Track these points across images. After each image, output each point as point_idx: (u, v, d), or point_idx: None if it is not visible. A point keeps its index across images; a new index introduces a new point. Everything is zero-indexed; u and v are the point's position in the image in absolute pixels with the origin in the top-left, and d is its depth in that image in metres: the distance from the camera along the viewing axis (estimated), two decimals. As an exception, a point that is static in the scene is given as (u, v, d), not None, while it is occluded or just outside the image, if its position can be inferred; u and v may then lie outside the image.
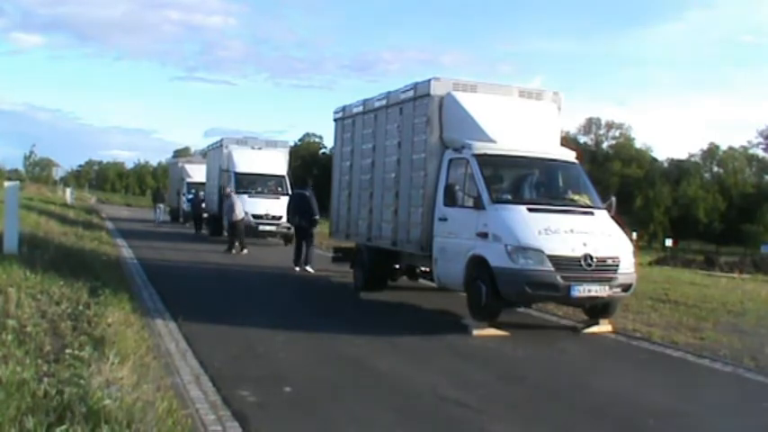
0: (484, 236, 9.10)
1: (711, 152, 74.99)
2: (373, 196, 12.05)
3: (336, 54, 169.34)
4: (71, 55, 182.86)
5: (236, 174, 23.05)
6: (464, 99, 10.22)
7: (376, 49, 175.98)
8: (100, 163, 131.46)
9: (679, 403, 6.44)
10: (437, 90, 10.25)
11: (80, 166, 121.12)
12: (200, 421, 5.18)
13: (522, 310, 10.46)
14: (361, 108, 12.77)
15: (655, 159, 76.67)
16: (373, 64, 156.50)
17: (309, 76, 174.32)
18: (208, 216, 26.32)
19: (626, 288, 9.17)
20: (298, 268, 15.82)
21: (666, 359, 8.26)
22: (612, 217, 9.74)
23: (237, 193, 22.52)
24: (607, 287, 8.87)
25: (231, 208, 19.77)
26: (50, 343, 6.31)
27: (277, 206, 22.53)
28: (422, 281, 12.30)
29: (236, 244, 19.57)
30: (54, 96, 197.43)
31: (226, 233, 22.96)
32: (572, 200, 9.95)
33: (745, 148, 74.11)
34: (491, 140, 9.86)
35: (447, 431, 5.47)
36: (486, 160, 9.67)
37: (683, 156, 76.80)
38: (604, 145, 78.72)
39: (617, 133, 79.33)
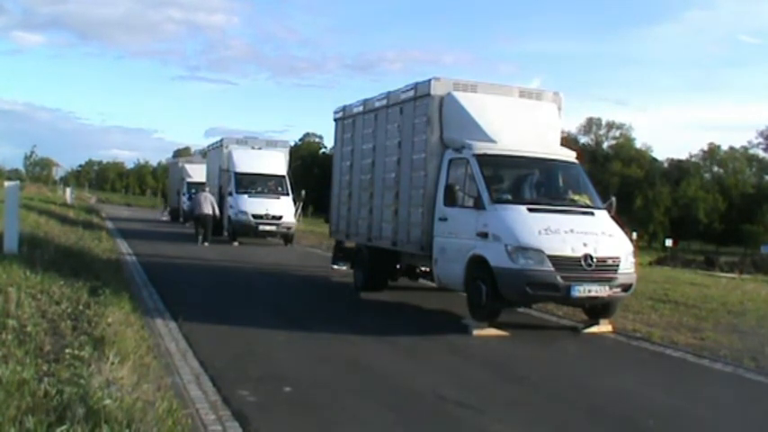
0: (484, 236, 9.10)
1: (711, 152, 75.02)
2: (373, 196, 12.05)
3: (338, 53, 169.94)
4: (72, 54, 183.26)
5: (236, 174, 23.04)
6: (464, 99, 10.21)
7: (378, 48, 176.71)
8: (100, 163, 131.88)
9: (679, 403, 6.44)
10: (437, 90, 10.25)
11: (80, 165, 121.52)
12: (201, 421, 5.17)
13: (522, 310, 10.46)
14: (361, 108, 12.76)
15: (655, 159, 76.71)
16: (375, 63, 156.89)
17: (311, 76, 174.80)
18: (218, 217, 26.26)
19: (626, 288, 9.17)
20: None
21: (666, 359, 8.26)
22: (612, 217, 9.74)
23: (238, 193, 22.60)
24: (607, 287, 8.87)
25: (198, 203, 21.70)
26: (50, 343, 6.31)
27: (277, 206, 22.57)
28: (422, 281, 12.29)
29: (201, 236, 21.47)
30: (54, 96, 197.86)
31: (226, 233, 23.12)
32: (572, 200, 9.95)
33: (745, 149, 74.17)
34: (491, 140, 9.86)
35: (447, 431, 5.47)
36: (486, 160, 9.66)
37: (683, 156, 76.98)
38: (604, 145, 78.75)
39: (617, 133, 79.45)
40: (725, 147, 74.85)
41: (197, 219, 21.84)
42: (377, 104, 12.09)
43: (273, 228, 22.52)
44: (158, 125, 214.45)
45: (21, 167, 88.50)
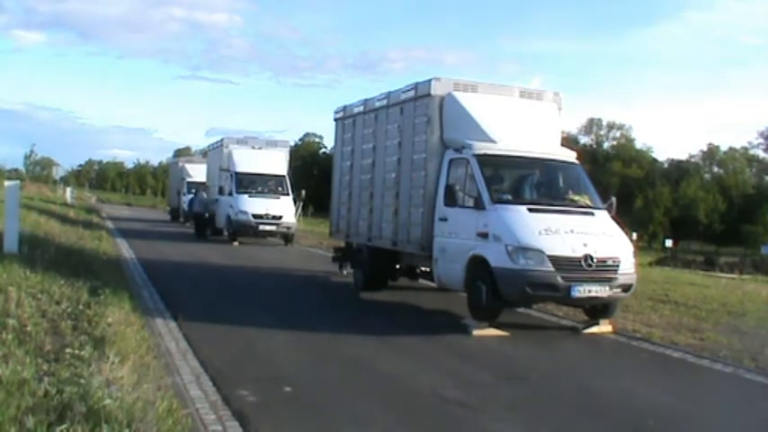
0: (484, 236, 9.10)
1: (711, 153, 75.01)
2: (373, 196, 12.05)
3: (340, 53, 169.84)
4: (73, 53, 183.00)
5: (237, 173, 23.04)
6: (465, 99, 10.22)
7: (380, 47, 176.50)
8: (100, 162, 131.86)
9: (679, 404, 6.44)
10: (438, 90, 10.25)
11: (80, 165, 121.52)
12: (201, 421, 5.17)
13: (522, 310, 10.46)
14: (361, 108, 12.77)
15: (655, 160, 76.76)
16: (377, 63, 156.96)
17: (312, 75, 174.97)
18: (208, 216, 26.45)
19: (626, 288, 9.17)
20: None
21: (666, 360, 8.26)
22: (612, 217, 9.74)
23: (238, 192, 22.65)
24: (607, 287, 8.87)
25: (196, 203, 25.23)
26: (51, 342, 6.31)
27: (277, 206, 22.59)
28: (422, 281, 12.28)
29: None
30: (55, 95, 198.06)
31: (226, 233, 23.20)
32: (572, 200, 9.94)
33: (745, 149, 74.14)
34: (491, 140, 9.86)
35: (447, 431, 5.47)
36: (486, 160, 9.67)
37: (683, 156, 76.97)
38: (605, 145, 78.74)
39: (617, 134, 79.44)
40: (725, 147, 74.98)
41: (195, 217, 25.29)
42: (377, 104, 12.10)
43: (273, 228, 22.54)
44: (158, 125, 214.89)
45: (21, 167, 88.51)
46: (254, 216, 22.14)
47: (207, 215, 24.46)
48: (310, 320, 9.69)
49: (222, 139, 24.97)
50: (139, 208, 60.33)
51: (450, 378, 6.94)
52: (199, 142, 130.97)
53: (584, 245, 8.79)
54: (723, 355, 8.32)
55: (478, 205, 9.30)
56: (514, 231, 8.84)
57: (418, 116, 10.63)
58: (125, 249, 18.34)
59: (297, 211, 23.92)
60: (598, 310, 9.51)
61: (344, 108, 13.63)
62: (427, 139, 10.33)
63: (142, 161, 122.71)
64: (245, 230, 22.55)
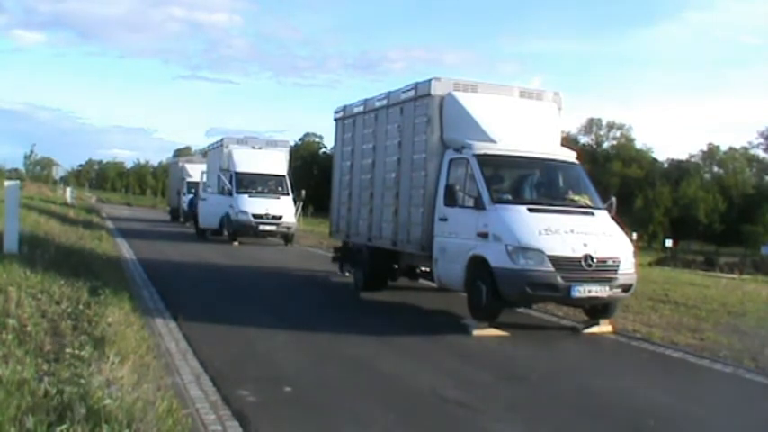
0: (484, 236, 9.10)
1: (711, 153, 75.02)
2: (373, 196, 12.05)
3: (341, 52, 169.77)
4: (73, 53, 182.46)
5: (237, 173, 23.03)
6: (465, 99, 10.22)
7: (380, 47, 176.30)
8: (100, 162, 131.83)
9: (679, 404, 6.44)
10: (438, 90, 10.26)
11: (80, 165, 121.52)
12: (201, 421, 5.18)
13: (522, 310, 10.45)
14: (361, 108, 12.77)
15: (655, 160, 76.76)
16: (377, 63, 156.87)
17: (313, 75, 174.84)
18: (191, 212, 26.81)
19: (626, 288, 9.17)
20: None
21: (666, 360, 8.26)
22: (612, 217, 9.75)
23: (238, 192, 22.66)
24: (607, 287, 8.87)
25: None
26: (50, 342, 6.31)
27: (277, 206, 22.59)
28: (422, 281, 12.29)
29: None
30: (55, 95, 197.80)
31: (226, 232, 23.21)
32: (572, 200, 9.94)
33: (745, 149, 74.13)
34: (491, 140, 9.86)
35: (447, 431, 5.47)
36: (486, 160, 9.67)
37: (683, 156, 76.98)
38: (605, 145, 78.76)
39: (617, 134, 79.45)
40: (725, 147, 74.98)
41: (195, 217, 25.73)
42: (377, 104, 12.09)
43: (273, 228, 22.54)
44: (159, 125, 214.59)
45: (21, 167, 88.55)
46: (254, 216, 22.14)
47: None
48: (310, 320, 9.69)
49: (222, 139, 24.94)
50: (139, 208, 60.35)
51: (450, 378, 6.94)
52: (199, 142, 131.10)
53: (585, 245, 8.79)
54: (723, 355, 8.32)
55: (478, 205, 9.30)
56: (514, 231, 8.84)
57: (418, 116, 10.63)
58: (125, 249, 18.34)
59: (297, 211, 23.92)
60: (598, 310, 9.51)
61: (344, 108, 13.63)
62: (427, 139, 10.33)
63: (142, 161, 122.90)
64: (245, 230, 22.55)
